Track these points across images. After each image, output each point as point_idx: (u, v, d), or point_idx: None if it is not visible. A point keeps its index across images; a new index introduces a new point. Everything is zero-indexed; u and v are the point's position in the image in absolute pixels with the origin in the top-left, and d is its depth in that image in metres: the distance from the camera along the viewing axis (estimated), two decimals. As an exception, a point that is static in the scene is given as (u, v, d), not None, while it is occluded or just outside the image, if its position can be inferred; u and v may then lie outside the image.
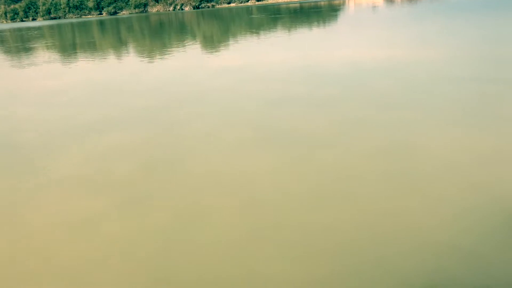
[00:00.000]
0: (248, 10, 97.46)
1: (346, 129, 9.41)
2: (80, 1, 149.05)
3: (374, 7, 68.77)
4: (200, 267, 5.05)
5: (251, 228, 5.76)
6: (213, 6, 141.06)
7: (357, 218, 5.79)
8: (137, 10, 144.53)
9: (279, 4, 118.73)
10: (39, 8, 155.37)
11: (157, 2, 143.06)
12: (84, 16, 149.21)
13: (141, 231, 5.94)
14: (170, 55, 26.61)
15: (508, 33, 23.30)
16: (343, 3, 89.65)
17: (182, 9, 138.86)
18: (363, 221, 5.70)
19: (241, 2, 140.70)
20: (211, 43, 34.01)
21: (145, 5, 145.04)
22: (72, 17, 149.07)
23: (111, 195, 7.13)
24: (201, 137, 9.68)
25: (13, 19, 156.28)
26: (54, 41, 48.67)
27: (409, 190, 6.43)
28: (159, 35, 48.29)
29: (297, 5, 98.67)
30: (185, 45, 32.62)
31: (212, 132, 9.97)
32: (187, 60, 23.96)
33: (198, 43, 34.15)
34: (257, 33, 38.95)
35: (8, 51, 39.44)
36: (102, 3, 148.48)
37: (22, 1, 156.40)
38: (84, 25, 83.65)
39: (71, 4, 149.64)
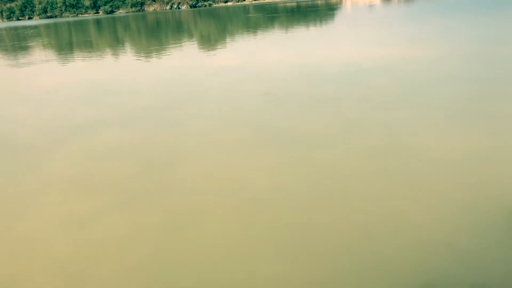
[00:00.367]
0: (245, 9, 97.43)
1: (344, 128, 9.43)
2: (77, 0, 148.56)
3: (370, 6, 68.87)
4: (197, 268, 5.04)
5: (249, 228, 5.76)
6: (210, 5, 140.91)
7: (356, 217, 5.80)
8: (133, 9, 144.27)
9: (276, 3, 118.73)
10: (35, 7, 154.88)
11: (154, 1, 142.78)
12: (80, 15, 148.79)
13: (139, 231, 5.92)
14: (167, 54, 26.57)
15: (505, 33, 23.39)
16: (340, 2, 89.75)
17: (179, 8, 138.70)
18: (361, 220, 5.71)
19: (238, 1, 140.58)
20: (208, 42, 33.98)
21: (142, 4, 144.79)
22: (68, 16, 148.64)
23: (107, 195, 7.11)
24: (198, 136, 9.68)
25: (9, 18, 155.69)
26: (50, 40, 48.51)
27: (407, 190, 6.44)
28: (156, 34, 48.20)
29: (294, 4, 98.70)
30: (182, 44, 32.58)
31: (209, 131, 9.96)
32: (184, 59, 23.93)
33: (195, 42, 34.12)
34: (254, 32, 38.95)
35: (4, 50, 39.27)
36: (98, 2, 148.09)
37: (18, 0, 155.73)
38: (81, 24, 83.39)
39: (67, 3, 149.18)
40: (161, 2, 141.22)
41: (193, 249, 5.39)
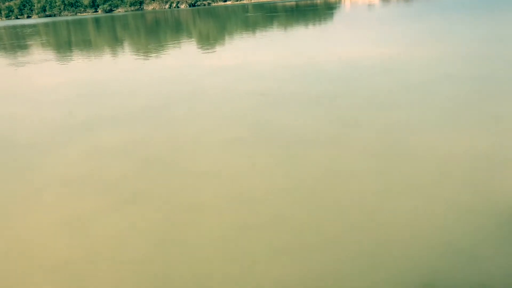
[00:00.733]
0: (244, 8, 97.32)
1: (342, 128, 9.45)
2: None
3: (369, 5, 68.87)
4: (193, 266, 5.07)
5: (246, 227, 5.79)
6: (209, 4, 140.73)
7: (352, 217, 5.83)
8: (132, 8, 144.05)
9: (275, 2, 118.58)
10: (34, 6, 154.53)
11: (153, 0, 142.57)
12: (79, 14, 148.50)
13: (138, 230, 5.95)
14: (166, 53, 26.56)
15: (504, 32, 23.42)
16: (339, 2, 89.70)
17: (178, 7, 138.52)
18: (358, 220, 5.74)
19: (237, 0, 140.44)
20: (207, 41, 33.98)
21: (141, 2, 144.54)
22: (67, 15, 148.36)
23: (105, 194, 7.13)
24: (196, 136, 9.70)
25: (7, 17, 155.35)
26: (49, 39, 48.44)
27: (406, 190, 6.47)
28: (155, 33, 48.16)
29: (293, 3, 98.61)
30: (180, 44, 32.57)
31: (208, 131, 9.98)
32: (183, 58, 23.93)
33: (193, 41, 34.10)
34: (253, 31, 38.94)
35: (2, 49, 39.21)
36: (97, 1, 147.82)
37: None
38: (80, 23, 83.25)
39: (66, 2, 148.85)
40: (160, 1, 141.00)
41: (192, 249, 5.42)
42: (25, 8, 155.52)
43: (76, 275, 5.09)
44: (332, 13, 57.25)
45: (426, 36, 24.21)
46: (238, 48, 26.71)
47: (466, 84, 12.22)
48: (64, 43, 42.64)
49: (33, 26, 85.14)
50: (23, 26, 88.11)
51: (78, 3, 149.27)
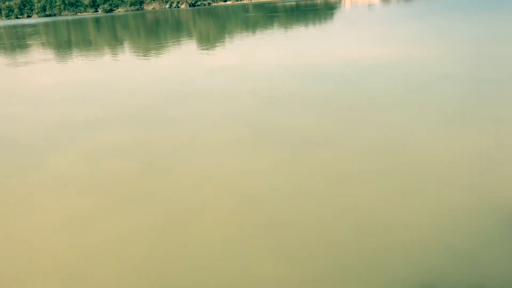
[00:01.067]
0: (244, 8, 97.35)
1: (341, 128, 9.44)
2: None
3: (370, 5, 68.88)
4: (193, 267, 5.06)
5: (245, 228, 5.78)
6: (209, 4, 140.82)
7: (353, 217, 5.82)
8: (132, 7, 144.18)
9: (275, 2, 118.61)
10: (34, 5, 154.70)
11: (153, 0, 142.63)
12: (79, 14, 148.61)
13: (137, 231, 5.94)
14: (166, 53, 26.55)
15: (504, 32, 23.41)
16: (339, 2, 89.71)
17: (178, 7, 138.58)
18: (358, 221, 5.73)
19: (237, 0, 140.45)
20: (207, 41, 33.97)
21: (141, 2, 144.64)
22: (67, 15, 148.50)
23: (103, 194, 7.12)
24: (196, 135, 9.69)
25: (7, 16, 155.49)
26: (49, 39, 48.44)
27: (405, 189, 6.46)
28: (155, 33, 48.16)
29: (293, 3, 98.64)
30: (181, 43, 32.56)
31: (207, 131, 9.97)
32: (183, 58, 23.92)
33: (193, 41, 34.10)
34: (253, 31, 38.94)
35: (2, 48, 39.20)
36: (97, 1, 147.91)
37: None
38: (80, 23, 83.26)
39: (66, 1, 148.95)
40: (160, 1, 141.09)
41: (191, 249, 5.40)
42: (25, 8, 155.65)
43: (76, 275, 5.08)
44: (332, 13, 57.25)
45: (426, 36, 24.20)
46: (238, 48, 26.70)
47: (466, 84, 12.21)
48: (64, 42, 42.63)
49: (33, 25, 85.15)
50: (23, 25, 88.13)
51: (78, 3, 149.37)
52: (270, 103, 11.95)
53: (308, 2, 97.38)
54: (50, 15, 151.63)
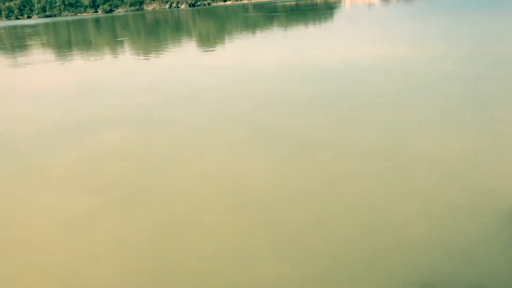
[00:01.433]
0: (244, 8, 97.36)
1: (341, 128, 9.44)
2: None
3: (370, 5, 68.88)
4: (193, 267, 5.06)
5: (245, 227, 5.78)
6: (209, 4, 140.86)
7: (353, 217, 5.82)
8: (132, 8, 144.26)
9: (275, 2, 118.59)
10: (34, 6, 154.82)
11: (153, 0, 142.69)
12: (79, 14, 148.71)
13: (136, 231, 5.94)
14: (165, 53, 26.56)
15: (503, 31, 23.41)
16: (339, 1, 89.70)
17: (178, 7, 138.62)
18: (358, 220, 5.73)
19: (237, 0, 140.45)
20: (207, 41, 33.97)
21: (141, 3, 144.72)
22: (67, 15, 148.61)
23: (102, 194, 7.12)
24: (196, 136, 9.69)
25: (8, 17, 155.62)
26: (49, 39, 48.46)
27: (405, 189, 6.46)
28: (155, 33, 48.17)
29: (293, 3, 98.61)
30: (181, 43, 32.57)
31: (206, 130, 9.98)
32: (183, 58, 23.92)
33: (193, 41, 34.10)
34: (253, 31, 38.94)
35: (2, 49, 39.22)
36: (97, 1, 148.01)
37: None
38: (80, 23, 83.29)
39: (66, 2, 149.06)
40: (160, 1, 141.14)
41: (191, 249, 5.41)
42: (25, 9, 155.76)
43: (76, 275, 5.08)
44: (332, 13, 57.25)
45: (426, 35, 24.19)
46: (238, 48, 26.70)
47: (467, 84, 12.20)
48: (64, 43, 42.64)
49: (33, 26, 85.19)
50: (23, 26, 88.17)
51: (78, 3, 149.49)
52: (270, 103, 11.96)
53: (308, 2, 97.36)
54: (50, 16, 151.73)
